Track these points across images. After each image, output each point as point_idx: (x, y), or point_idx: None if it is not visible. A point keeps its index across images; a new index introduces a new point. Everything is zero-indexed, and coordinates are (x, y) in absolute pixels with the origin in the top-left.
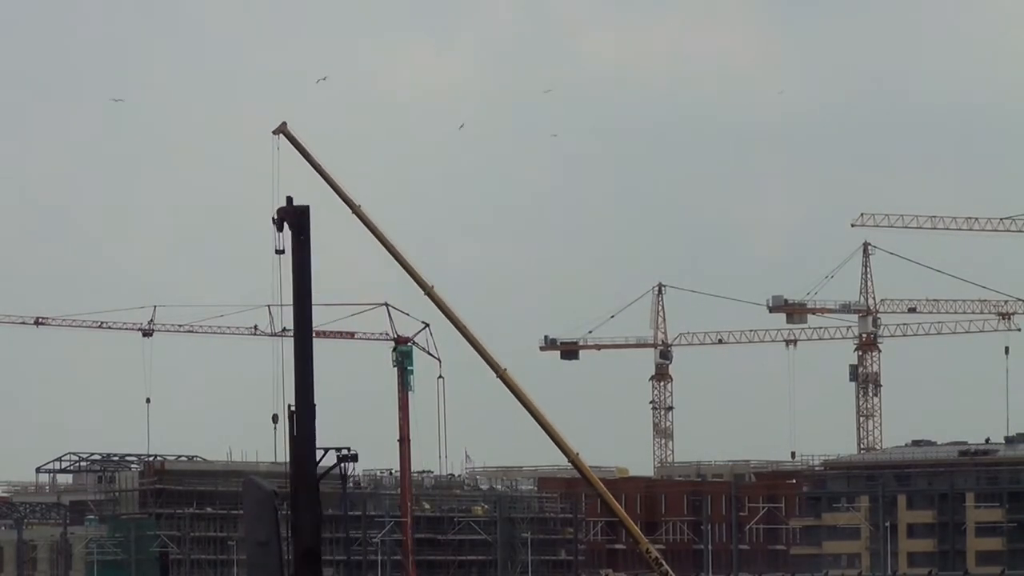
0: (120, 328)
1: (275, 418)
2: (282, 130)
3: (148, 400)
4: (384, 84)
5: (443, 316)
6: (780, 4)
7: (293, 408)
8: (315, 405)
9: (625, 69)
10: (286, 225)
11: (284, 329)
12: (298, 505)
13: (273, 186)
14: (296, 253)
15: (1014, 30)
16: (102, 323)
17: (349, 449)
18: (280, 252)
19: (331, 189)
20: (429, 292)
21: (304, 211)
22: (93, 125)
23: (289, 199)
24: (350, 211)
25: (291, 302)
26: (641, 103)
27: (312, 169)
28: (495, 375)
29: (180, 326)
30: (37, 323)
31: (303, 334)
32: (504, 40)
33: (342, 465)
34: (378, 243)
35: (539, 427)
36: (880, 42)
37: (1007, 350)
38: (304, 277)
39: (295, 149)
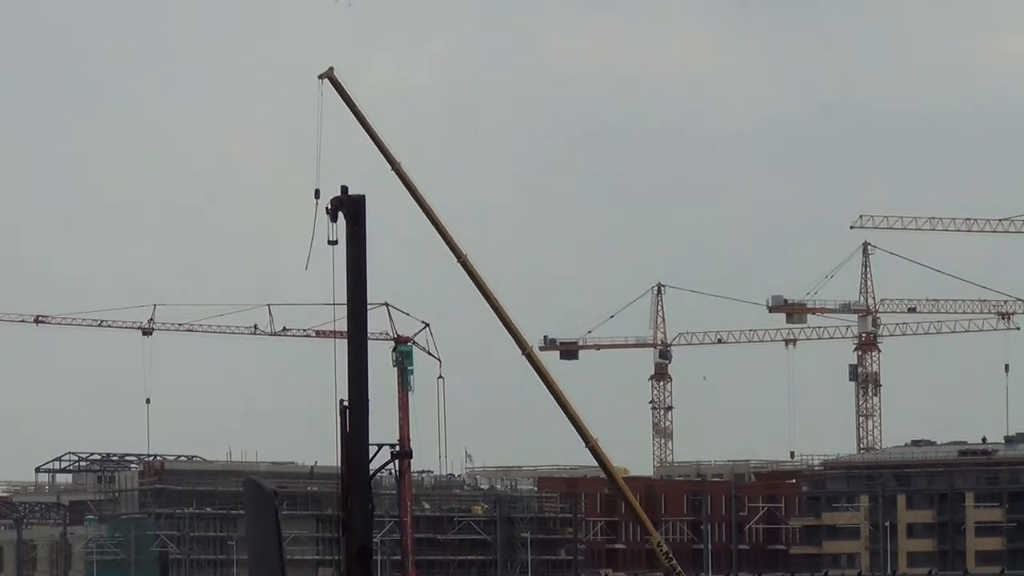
0: (120, 327)
1: (317, 193)
2: (328, 75)
3: (148, 400)
4: (385, 84)
5: (474, 287)
6: (782, 4)
7: (346, 403)
8: (368, 400)
9: (623, 70)
10: (340, 215)
11: (284, 328)
12: (351, 502)
13: (318, 134)
14: (351, 244)
15: (1010, 31)
16: (102, 322)
17: (403, 445)
18: (333, 243)
19: (374, 145)
20: (463, 260)
21: (360, 200)
22: (93, 122)
23: (344, 188)
24: (389, 168)
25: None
26: (640, 102)
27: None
28: (521, 352)
29: (180, 325)
30: (37, 322)
31: (358, 327)
32: (506, 37)
33: (395, 462)
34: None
35: (561, 411)
36: (880, 41)
37: (1007, 368)
38: (359, 269)
39: (340, 98)
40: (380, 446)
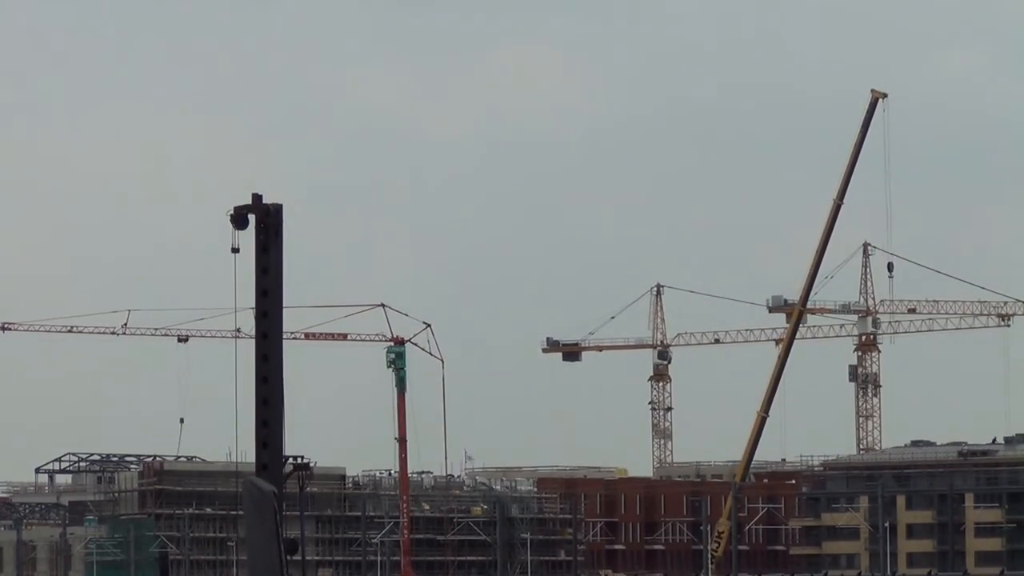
0: (92, 332)
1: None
2: None
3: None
4: (391, 87)
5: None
6: None
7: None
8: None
9: (623, 70)
10: (251, 223)
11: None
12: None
13: None
14: (265, 252)
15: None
16: (72, 328)
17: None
18: (236, 251)
19: None
20: None
21: (277, 209)
22: (83, 124)
23: (257, 196)
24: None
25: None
26: (639, 102)
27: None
28: None
29: (156, 330)
30: (3, 328)
31: (272, 329)
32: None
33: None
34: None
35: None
36: (884, 42)
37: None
38: (275, 276)
39: None
40: (287, 458)
